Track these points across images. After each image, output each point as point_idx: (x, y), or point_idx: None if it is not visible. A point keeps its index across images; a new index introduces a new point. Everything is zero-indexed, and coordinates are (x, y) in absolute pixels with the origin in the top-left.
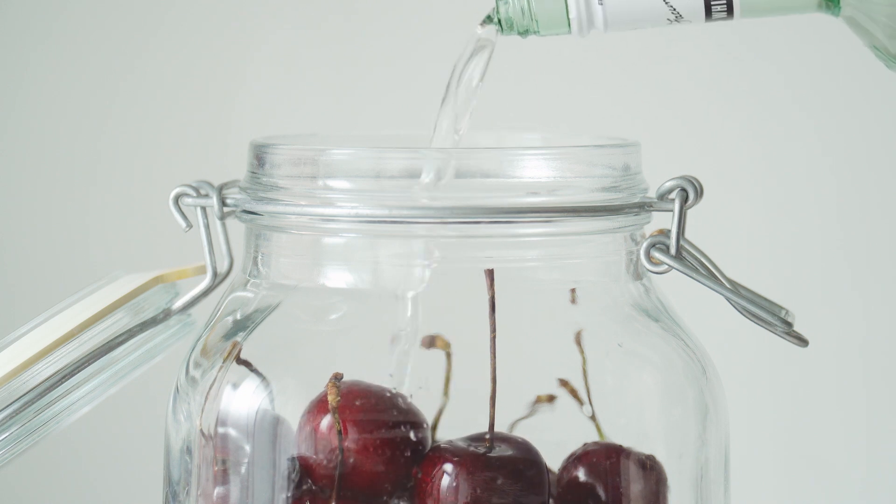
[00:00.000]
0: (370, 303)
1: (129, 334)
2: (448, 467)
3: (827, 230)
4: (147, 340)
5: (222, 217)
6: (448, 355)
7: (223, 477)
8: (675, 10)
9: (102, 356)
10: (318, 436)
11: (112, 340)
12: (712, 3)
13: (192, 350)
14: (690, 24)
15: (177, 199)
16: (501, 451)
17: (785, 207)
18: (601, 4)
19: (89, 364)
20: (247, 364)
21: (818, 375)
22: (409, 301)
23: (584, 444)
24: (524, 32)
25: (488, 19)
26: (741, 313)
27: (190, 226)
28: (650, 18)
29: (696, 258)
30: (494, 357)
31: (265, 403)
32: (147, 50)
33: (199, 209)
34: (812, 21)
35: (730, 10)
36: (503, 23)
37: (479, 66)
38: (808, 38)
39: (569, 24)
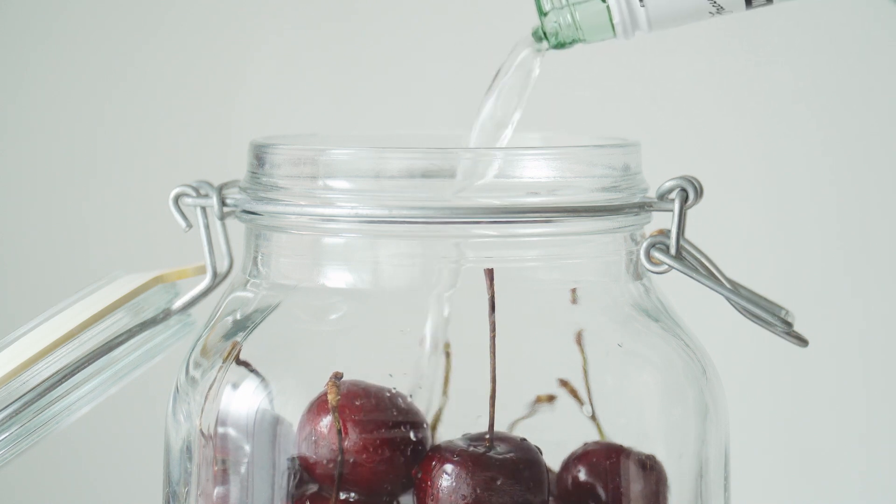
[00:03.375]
0: (370, 303)
1: (129, 334)
2: (448, 467)
3: (827, 230)
4: (147, 340)
5: (222, 217)
6: (448, 355)
7: (223, 477)
8: (715, 2)
9: (102, 356)
10: (318, 436)
11: (112, 340)
12: None
13: (192, 350)
14: (732, 14)
15: (177, 199)
16: (501, 450)
17: (785, 207)
18: (643, 6)
19: (89, 364)
20: (246, 365)
21: (818, 375)
22: (444, 303)
23: (585, 444)
24: (571, 42)
25: (535, 35)
26: (741, 313)
27: (190, 226)
28: (692, 14)
29: (696, 258)
30: (494, 357)
31: (265, 403)
32: (147, 50)
33: (199, 209)
34: (812, 20)
35: None
36: (549, 36)
37: (529, 76)
38: (808, 37)
39: (613, 29)
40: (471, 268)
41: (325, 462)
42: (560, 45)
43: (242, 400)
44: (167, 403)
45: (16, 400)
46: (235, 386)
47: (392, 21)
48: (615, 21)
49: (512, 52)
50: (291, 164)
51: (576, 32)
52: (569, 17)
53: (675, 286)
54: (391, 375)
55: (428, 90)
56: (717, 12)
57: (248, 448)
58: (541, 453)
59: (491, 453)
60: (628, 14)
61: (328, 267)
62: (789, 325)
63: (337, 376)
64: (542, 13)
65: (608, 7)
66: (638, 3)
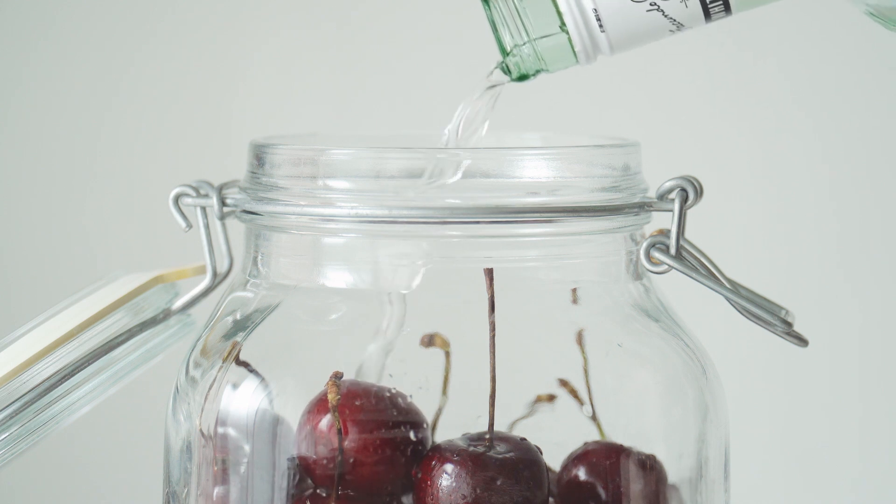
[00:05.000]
0: (370, 303)
1: (129, 334)
2: (448, 467)
3: (826, 230)
4: (147, 340)
5: (222, 217)
6: (447, 354)
7: (223, 477)
8: (675, 20)
9: (102, 356)
10: (317, 435)
11: (112, 340)
12: (710, 4)
13: (192, 350)
14: (692, 30)
15: (177, 199)
16: (501, 450)
17: (785, 207)
18: (603, 32)
19: (89, 364)
20: (246, 365)
21: (818, 375)
22: (400, 300)
23: (585, 444)
24: (535, 73)
25: (501, 69)
26: (741, 313)
27: (190, 226)
28: (652, 33)
29: (696, 258)
30: (494, 357)
31: (265, 403)
32: (147, 50)
33: (198, 209)
34: (812, 20)
35: (727, 8)
36: (511, 69)
37: (487, 107)
38: (808, 36)
39: (576, 56)
40: (471, 268)
41: (324, 462)
42: (523, 77)
43: (242, 400)
44: (167, 403)
45: (16, 400)
46: (235, 386)
47: (392, 21)
48: (577, 49)
49: (475, 88)
50: (291, 164)
51: (538, 63)
52: (531, 50)
53: (675, 286)
54: (391, 375)
55: (428, 90)
56: (678, 30)
57: (247, 448)
58: (541, 453)
59: (491, 453)
60: (589, 41)
61: (328, 267)
62: (789, 325)
63: (337, 376)
64: (505, 54)
65: (569, 36)
66: (598, 28)
